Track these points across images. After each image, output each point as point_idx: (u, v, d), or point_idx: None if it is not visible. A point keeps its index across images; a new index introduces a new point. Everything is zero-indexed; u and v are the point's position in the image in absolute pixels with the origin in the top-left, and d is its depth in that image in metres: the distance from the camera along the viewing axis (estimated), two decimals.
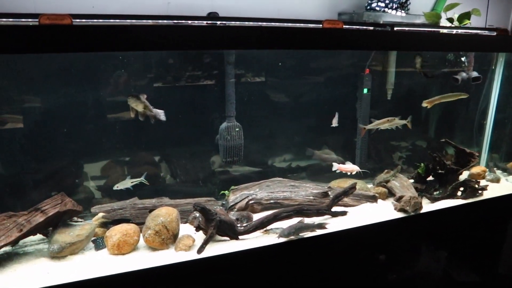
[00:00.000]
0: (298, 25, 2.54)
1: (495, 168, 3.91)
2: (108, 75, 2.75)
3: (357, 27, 2.87)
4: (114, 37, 2.02)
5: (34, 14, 1.94)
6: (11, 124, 2.60)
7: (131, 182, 2.68)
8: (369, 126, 3.15)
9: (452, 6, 3.58)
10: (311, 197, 2.91)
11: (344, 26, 2.52)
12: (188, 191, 2.98)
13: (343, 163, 3.20)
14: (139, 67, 2.84)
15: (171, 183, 3.09)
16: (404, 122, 3.18)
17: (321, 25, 2.42)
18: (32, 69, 2.56)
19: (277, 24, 2.57)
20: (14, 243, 2.29)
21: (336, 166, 3.15)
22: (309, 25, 2.54)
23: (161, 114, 2.52)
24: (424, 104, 3.36)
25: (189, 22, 2.40)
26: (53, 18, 1.91)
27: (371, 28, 2.88)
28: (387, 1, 3.51)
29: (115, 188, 2.68)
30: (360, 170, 3.17)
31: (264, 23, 2.55)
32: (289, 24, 2.55)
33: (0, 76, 2.50)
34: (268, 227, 2.61)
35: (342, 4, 3.61)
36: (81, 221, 2.53)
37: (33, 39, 1.86)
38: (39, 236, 2.45)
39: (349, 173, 3.17)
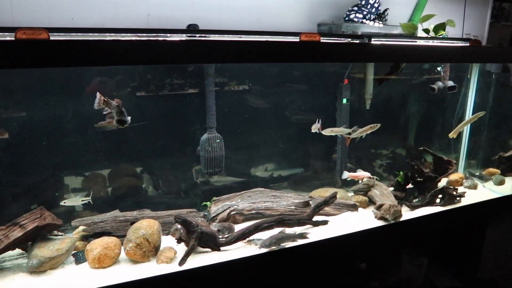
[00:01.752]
0: (276, 38, 2.57)
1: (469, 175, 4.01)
2: (87, 85, 2.74)
3: (335, 39, 2.92)
4: (92, 52, 2.02)
5: (11, 28, 1.94)
6: None
7: (81, 201, 2.63)
8: (354, 135, 3.19)
9: (427, 18, 3.68)
10: (293, 207, 2.93)
11: (322, 38, 2.57)
12: (170, 202, 2.98)
13: (354, 171, 3.30)
14: (121, 76, 2.85)
15: (153, 194, 3.08)
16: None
17: (298, 38, 2.46)
18: (11, 80, 2.55)
19: (256, 37, 2.60)
20: None
21: (346, 174, 3.23)
22: (288, 37, 2.58)
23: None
24: (450, 136, 3.46)
25: (169, 35, 2.43)
26: (30, 33, 1.90)
27: (348, 40, 2.94)
28: (365, 12, 3.58)
29: (62, 203, 2.60)
30: (372, 176, 3.26)
31: (243, 36, 2.58)
32: (268, 37, 2.59)
33: None
34: (251, 238, 2.63)
35: (321, 15, 3.68)
36: (61, 235, 2.51)
37: (9, 54, 1.85)
38: (17, 251, 2.41)
39: (360, 181, 3.27)
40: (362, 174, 3.26)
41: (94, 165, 2.93)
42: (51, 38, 1.93)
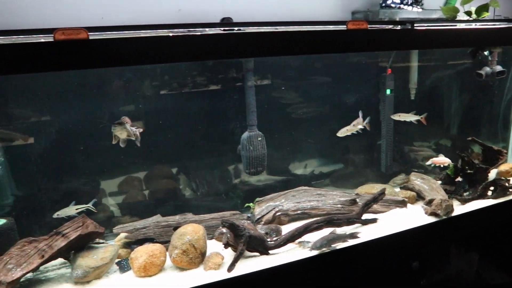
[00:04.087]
0: (319, 27, 2.42)
1: None
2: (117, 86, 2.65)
3: (380, 26, 2.76)
4: (132, 50, 1.92)
5: (47, 29, 1.83)
6: (21, 142, 2.49)
7: (76, 209, 2.42)
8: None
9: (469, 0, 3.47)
10: (339, 206, 2.80)
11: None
12: (210, 205, 2.87)
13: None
14: (157, 73, 2.75)
15: (193, 197, 2.97)
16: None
17: (345, 27, 2.30)
18: (42, 85, 2.46)
19: (296, 27, 2.44)
20: (35, 269, 2.18)
21: (430, 161, 3.24)
22: (331, 26, 2.43)
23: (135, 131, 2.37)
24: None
25: (206, 29, 2.30)
26: (69, 33, 1.80)
27: (391, 27, 2.77)
28: None
29: (55, 216, 2.38)
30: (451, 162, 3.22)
31: (282, 27, 2.43)
32: (310, 27, 2.43)
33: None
34: (302, 239, 2.50)
35: (355, 2, 3.50)
36: (103, 242, 2.42)
37: (50, 56, 1.75)
38: (60, 260, 2.33)
39: (442, 165, 3.24)
40: (443, 160, 3.22)
41: (130, 168, 2.83)
42: (90, 37, 1.83)
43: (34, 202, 2.50)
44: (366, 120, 2.97)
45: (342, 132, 2.94)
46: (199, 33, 2.17)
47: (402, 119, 3.07)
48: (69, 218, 2.33)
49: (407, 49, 3.12)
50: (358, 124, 2.95)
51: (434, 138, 3.75)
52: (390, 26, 2.79)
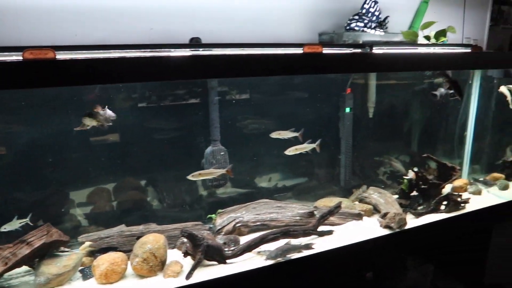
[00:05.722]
0: (279, 50, 2.59)
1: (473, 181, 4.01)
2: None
3: (337, 48, 2.94)
4: (98, 70, 2.05)
5: (18, 47, 1.96)
6: None
7: (19, 223, 2.53)
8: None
9: (428, 25, 3.70)
10: (298, 218, 2.94)
11: (324, 48, 2.58)
12: (175, 215, 2.99)
13: None
14: (125, 90, 2.87)
15: (158, 208, 3.09)
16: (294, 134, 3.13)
17: (301, 50, 2.47)
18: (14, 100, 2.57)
19: (259, 49, 2.61)
20: None
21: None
22: (291, 49, 2.59)
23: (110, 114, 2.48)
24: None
25: (172, 50, 2.44)
26: (37, 53, 1.92)
27: (350, 49, 2.96)
28: (366, 21, 3.60)
29: (2, 229, 2.48)
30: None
31: (247, 48, 2.59)
32: (271, 50, 2.60)
33: None
34: (257, 250, 2.63)
35: (323, 25, 3.70)
36: (67, 251, 2.52)
37: (18, 74, 1.88)
38: (24, 268, 2.41)
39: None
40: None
41: (98, 180, 2.94)
42: (57, 56, 1.96)
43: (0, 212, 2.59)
44: (317, 142, 3.13)
45: (291, 151, 3.05)
46: (165, 55, 2.33)
47: (281, 137, 3.08)
48: (16, 230, 2.48)
49: (364, 72, 3.30)
50: (309, 145, 3.10)
51: (394, 153, 3.94)
52: (350, 49, 3.00)
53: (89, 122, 2.39)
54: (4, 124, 2.59)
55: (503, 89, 3.68)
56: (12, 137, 2.62)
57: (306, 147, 3.10)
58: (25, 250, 2.25)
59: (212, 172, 2.87)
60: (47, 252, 2.36)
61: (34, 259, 2.36)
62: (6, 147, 2.62)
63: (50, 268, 2.29)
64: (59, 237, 2.36)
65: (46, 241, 2.29)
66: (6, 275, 2.35)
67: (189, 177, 2.81)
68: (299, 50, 2.50)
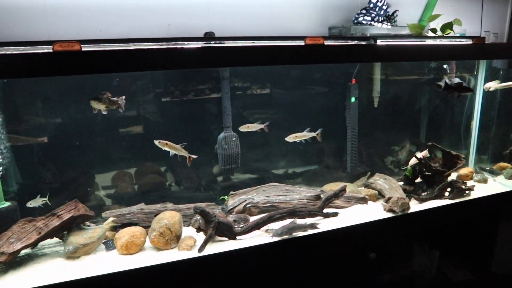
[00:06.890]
0: (285, 42, 2.79)
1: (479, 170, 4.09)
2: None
3: (343, 41, 3.12)
4: (119, 60, 2.30)
5: (48, 41, 2.22)
6: (31, 140, 2.88)
7: (41, 201, 2.80)
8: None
9: (434, 17, 3.80)
10: (305, 200, 3.12)
11: (331, 41, 2.77)
12: (191, 197, 3.22)
13: None
14: (146, 84, 3.12)
15: (175, 190, 3.33)
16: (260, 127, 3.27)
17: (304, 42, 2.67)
18: (46, 89, 2.86)
19: (267, 42, 2.82)
20: (33, 245, 2.55)
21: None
22: (296, 41, 2.79)
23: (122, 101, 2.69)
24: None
25: (187, 43, 2.68)
26: (65, 46, 2.18)
27: (356, 42, 3.12)
28: (373, 15, 3.74)
29: (28, 205, 2.77)
30: None
31: (256, 41, 2.80)
32: (278, 42, 2.81)
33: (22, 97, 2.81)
34: (265, 228, 2.83)
35: (332, 19, 3.85)
36: (93, 226, 2.79)
37: (48, 64, 2.14)
38: (55, 240, 2.70)
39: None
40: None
41: (121, 164, 3.20)
42: (83, 49, 2.21)
43: (34, 189, 2.87)
44: (318, 131, 3.32)
45: (291, 138, 3.25)
46: (178, 47, 2.56)
47: (250, 130, 3.22)
48: (39, 207, 2.79)
49: (361, 62, 3.45)
50: (309, 134, 3.29)
51: (402, 142, 4.06)
52: (355, 42, 3.17)
53: (96, 105, 2.62)
54: (38, 114, 2.88)
55: (491, 84, 3.71)
56: (48, 126, 2.91)
57: (306, 135, 3.29)
58: (55, 222, 2.52)
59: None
60: (75, 224, 2.63)
61: (63, 231, 2.64)
62: (44, 136, 2.90)
63: (78, 238, 2.56)
64: (86, 212, 2.63)
65: (74, 215, 2.56)
66: (39, 245, 2.64)
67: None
68: (302, 42, 2.69)
